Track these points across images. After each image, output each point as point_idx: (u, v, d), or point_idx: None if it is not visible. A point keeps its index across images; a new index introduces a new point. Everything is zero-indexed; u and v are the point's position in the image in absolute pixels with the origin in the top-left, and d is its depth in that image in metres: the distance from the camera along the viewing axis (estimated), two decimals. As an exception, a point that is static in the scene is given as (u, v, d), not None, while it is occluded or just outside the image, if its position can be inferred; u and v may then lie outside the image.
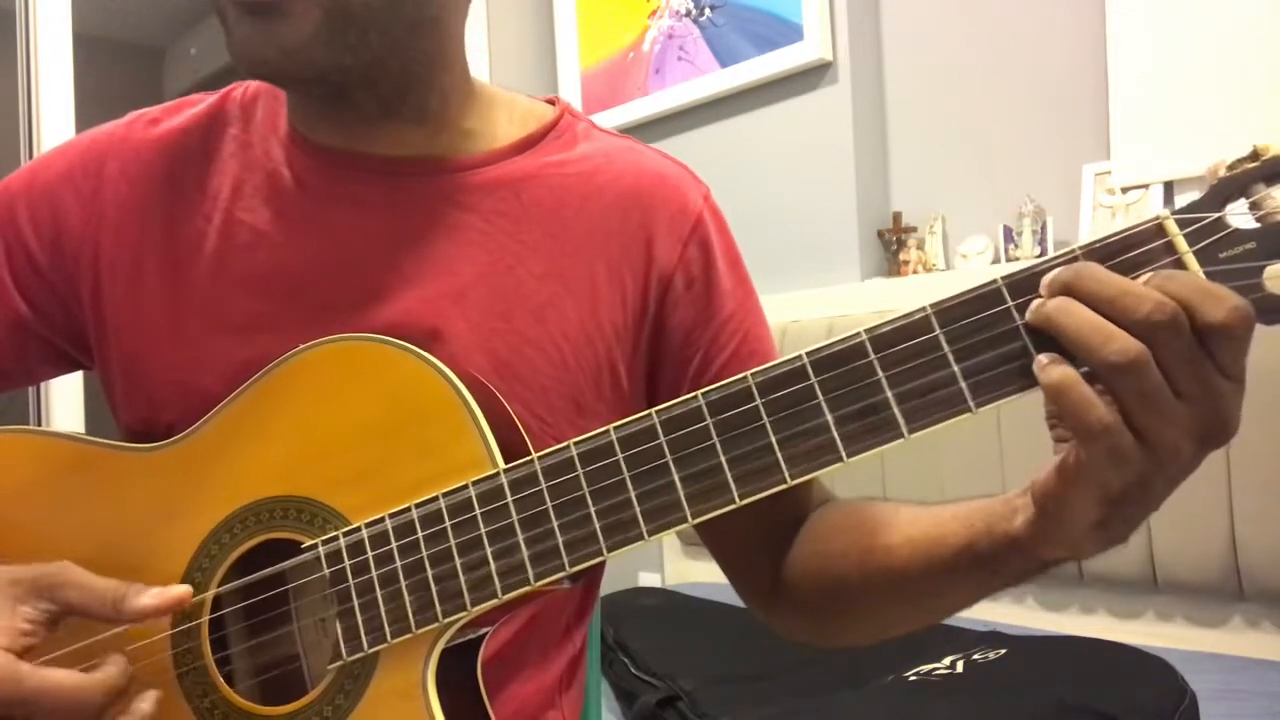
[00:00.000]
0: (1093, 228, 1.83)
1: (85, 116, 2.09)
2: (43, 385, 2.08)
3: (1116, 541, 0.49)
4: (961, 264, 2.02)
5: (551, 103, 0.75)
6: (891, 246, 2.13)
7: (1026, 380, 0.46)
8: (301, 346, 0.61)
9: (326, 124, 0.68)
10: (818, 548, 0.68)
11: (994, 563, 0.54)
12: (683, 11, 2.45)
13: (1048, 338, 0.45)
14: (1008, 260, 1.94)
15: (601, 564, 0.56)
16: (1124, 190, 1.80)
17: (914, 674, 1.38)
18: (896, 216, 2.15)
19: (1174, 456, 0.44)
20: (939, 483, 1.77)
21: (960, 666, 1.39)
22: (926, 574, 0.58)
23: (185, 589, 0.58)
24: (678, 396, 0.49)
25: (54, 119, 2.10)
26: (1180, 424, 0.44)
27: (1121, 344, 0.42)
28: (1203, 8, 1.71)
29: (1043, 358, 0.45)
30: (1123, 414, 0.44)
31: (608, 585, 0.82)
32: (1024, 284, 0.46)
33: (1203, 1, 1.71)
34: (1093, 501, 0.46)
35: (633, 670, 1.60)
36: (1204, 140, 1.70)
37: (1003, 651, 1.42)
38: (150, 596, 0.56)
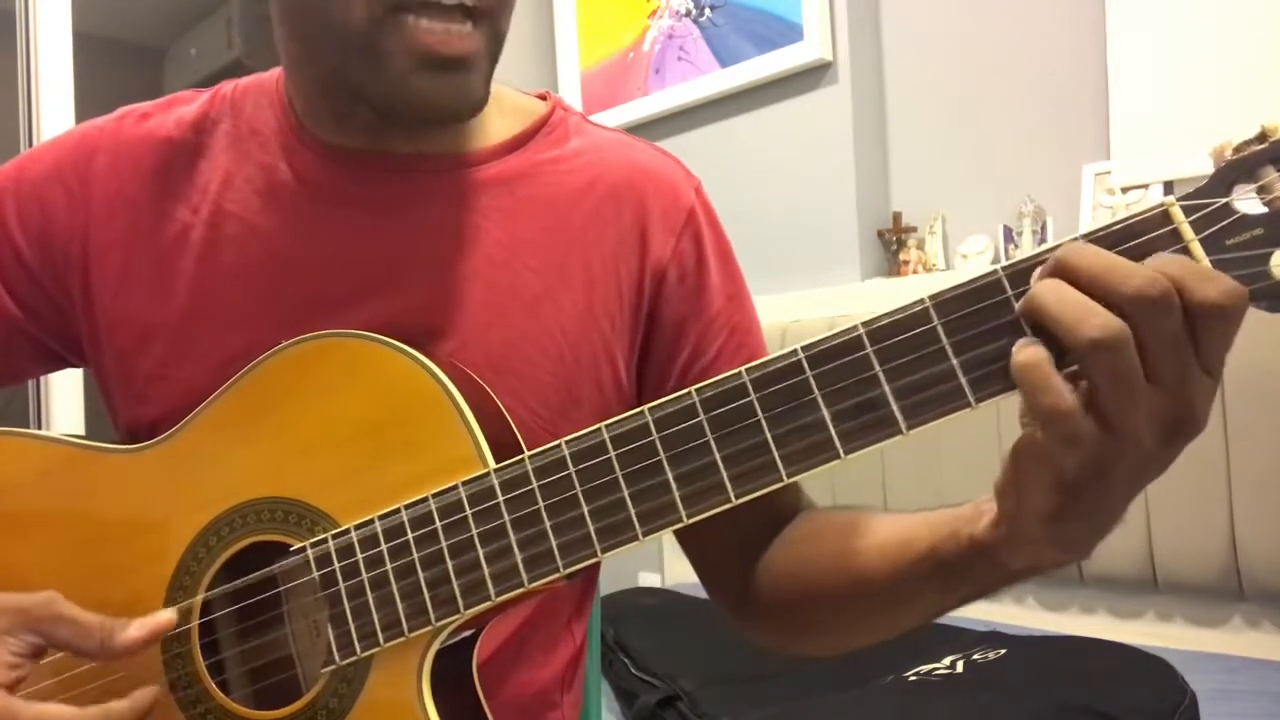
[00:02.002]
0: (1093, 228, 1.83)
1: (85, 116, 2.06)
2: (43, 385, 2.08)
3: (1076, 547, 0.47)
4: (961, 264, 2.02)
5: (543, 97, 0.75)
6: (891, 246, 2.13)
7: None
8: (285, 343, 0.60)
9: (358, 128, 0.67)
10: (790, 553, 0.67)
11: (959, 569, 0.53)
12: (683, 11, 2.44)
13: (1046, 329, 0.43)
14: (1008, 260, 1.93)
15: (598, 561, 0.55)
16: (1124, 190, 1.80)
17: (914, 674, 1.38)
18: (896, 216, 2.14)
19: (1135, 444, 0.42)
20: (938, 484, 1.77)
21: (960, 666, 1.38)
22: (892, 581, 0.57)
23: (169, 615, 0.58)
24: (664, 389, 0.48)
25: (54, 119, 2.09)
26: (1148, 411, 0.42)
27: (1102, 320, 0.41)
28: (1203, 8, 1.71)
29: (1022, 340, 0.43)
30: (1092, 395, 0.42)
31: (607, 585, 0.81)
32: (1025, 274, 0.45)
33: (1203, 1, 1.71)
34: (1046, 487, 0.45)
35: (633, 670, 1.60)
36: (1204, 140, 1.68)
37: (1003, 651, 1.42)
38: (135, 629, 0.56)
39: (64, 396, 2.09)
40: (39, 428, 2.08)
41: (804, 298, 2.12)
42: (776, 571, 0.67)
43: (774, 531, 0.69)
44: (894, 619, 0.61)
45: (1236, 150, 0.44)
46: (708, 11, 2.39)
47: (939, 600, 0.56)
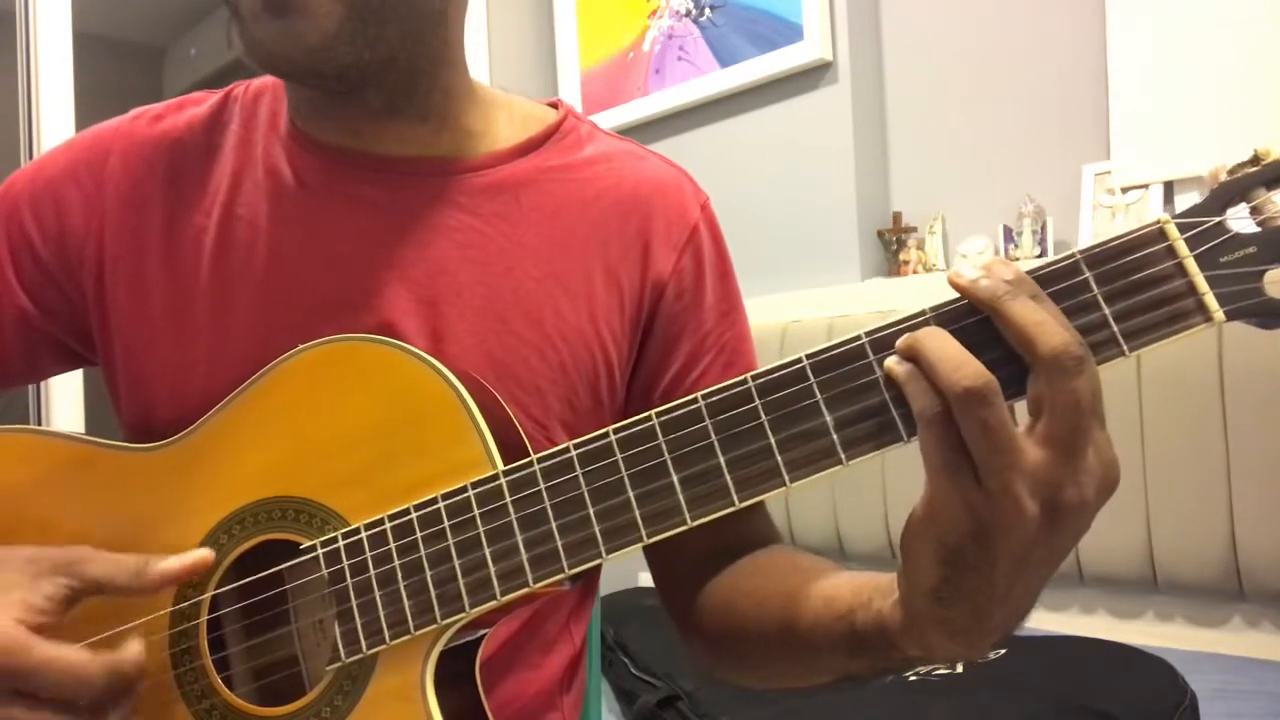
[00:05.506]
0: (1093, 228, 1.83)
1: (85, 116, 2.09)
2: (43, 385, 2.08)
3: (962, 635, 0.47)
4: (961, 264, 2.01)
5: (554, 105, 0.75)
6: (891, 246, 2.13)
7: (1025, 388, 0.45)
8: (301, 346, 0.61)
9: (331, 122, 0.68)
10: (739, 583, 0.67)
11: (864, 640, 0.53)
12: (683, 11, 2.45)
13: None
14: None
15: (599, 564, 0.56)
16: (1124, 190, 1.80)
17: (914, 673, 1.38)
18: (896, 216, 2.15)
19: (1014, 509, 0.42)
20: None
21: (960, 666, 1.39)
22: (810, 634, 0.57)
23: (206, 552, 0.58)
24: (649, 402, 0.48)
25: (54, 119, 2.09)
26: (1030, 477, 0.42)
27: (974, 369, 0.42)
28: (1203, 8, 1.71)
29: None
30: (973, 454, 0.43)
31: (608, 585, 0.82)
32: None
33: (1203, 2, 1.71)
34: (931, 559, 0.45)
35: (633, 670, 1.60)
36: (1204, 141, 1.70)
37: (1003, 651, 1.42)
38: (172, 560, 0.57)
39: (64, 396, 2.09)
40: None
41: (804, 297, 2.12)
42: (720, 597, 0.67)
43: (733, 557, 0.69)
44: (808, 671, 0.60)
45: (1231, 172, 0.45)
46: (708, 11, 2.39)
47: (846, 664, 0.56)
